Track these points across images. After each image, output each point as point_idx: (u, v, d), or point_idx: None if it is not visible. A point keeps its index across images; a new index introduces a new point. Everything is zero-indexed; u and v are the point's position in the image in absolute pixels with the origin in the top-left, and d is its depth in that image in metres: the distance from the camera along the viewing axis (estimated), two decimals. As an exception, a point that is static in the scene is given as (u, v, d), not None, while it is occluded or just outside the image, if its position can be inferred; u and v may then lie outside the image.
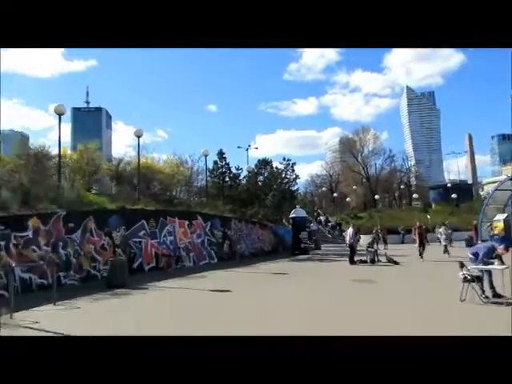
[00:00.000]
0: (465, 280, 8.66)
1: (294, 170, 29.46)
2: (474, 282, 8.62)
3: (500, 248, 8.84)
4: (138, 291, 11.41)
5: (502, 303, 8.15)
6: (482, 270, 8.74)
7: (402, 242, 34.37)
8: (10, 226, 11.02)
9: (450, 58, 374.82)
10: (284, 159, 29.50)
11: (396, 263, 17.52)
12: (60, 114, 15.98)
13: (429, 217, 40.45)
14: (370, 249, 18.73)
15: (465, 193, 61.76)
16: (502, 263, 8.86)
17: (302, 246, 25.74)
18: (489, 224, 30.54)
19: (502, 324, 6.18)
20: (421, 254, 18.91)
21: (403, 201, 66.59)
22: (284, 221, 30.66)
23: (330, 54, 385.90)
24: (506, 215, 29.53)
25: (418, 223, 20.52)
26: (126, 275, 12.56)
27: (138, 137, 19.58)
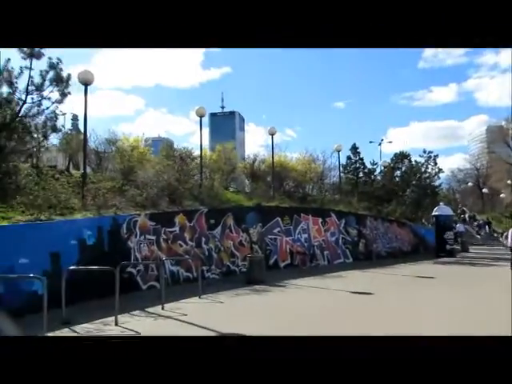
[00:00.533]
0: None
1: (436, 164, 26.74)
2: None
3: None
4: (276, 288, 11.35)
5: None
6: None
7: None
8: (160, 222, 11.95)
9: None
10: (424, 152, 26.97)
11: None
12: (201, 116, 17.09)
13: None
14: (539, 253, 15.83)
15: None
16: None
17: (448, 247, 23.23)
18: None
19: None
20: None
21: None
22: (423, 220, 28.12)
23: None
24: None
25: None
26: (263, 272, 12.69)
27: (272, 135, 19.86)
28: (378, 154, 40.49)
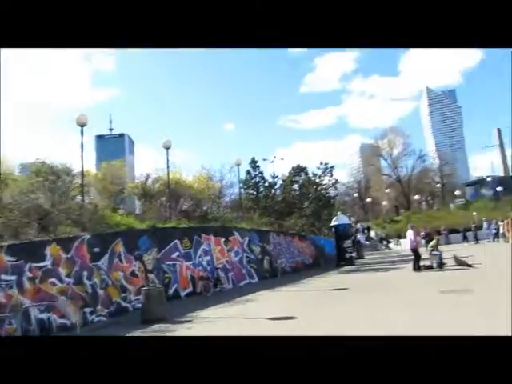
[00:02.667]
0: None
1: (332, 175, 27.23)
2: None
3: None
4: (180, 326, 9.33)
5: None
6: None
7: (448, 243, 31.81)
8: (23, 256, 9.20)
9: (469, 57, 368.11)
10: (321, 163, 27.32)
11: (469, 266, 15.12)
12: (82, 126, 14.08)
13: (474, 213, 38.46)
14: (434, 252, 16.30)
15: (502, 186, 57.61)
16: None
17: (347, 255, 23.49)
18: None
19: None
20: None
21: (436, 200, 63.83)
22: (323, 230, 28.45)
23: (346, 63, 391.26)
24: None
25: None
26: (163, 306, 10.52)
27: (167, 148, 17.81)
28: (272, 172, 41.13)
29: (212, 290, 15.35)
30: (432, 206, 60.35)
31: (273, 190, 26.23)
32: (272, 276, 19.22)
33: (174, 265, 14.45)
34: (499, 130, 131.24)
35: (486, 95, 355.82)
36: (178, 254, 14.73)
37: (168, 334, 8.45)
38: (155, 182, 20.90)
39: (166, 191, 18.93)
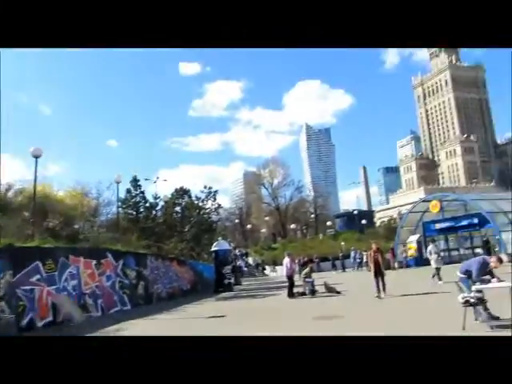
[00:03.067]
0: (466, 304, 7.23)
1: (215, 199, 27.28)
2: (477, 305, 7.27)
3: (493, 261, 7.67)
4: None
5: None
6: (481, 291, 7.40)
7: (319, 271, 34.24)
8: None
9: (342, 100, 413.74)
10: (205, 187, 27.21)
11: (338, 293, 16.31)
12: None
13: (343, 243, 42.23)
14: (307, 279, 17.14)
15: (366, 220, 64.86)
16: (499, 279, 7.58)
17: (226, 281, 23.51)
18: (403, 246, 31.83)
19: None
20: (380, 289, 13.65)
21: (309, 230, 68.59)
22: (203, 255, 28.18)
23: (234, 92, 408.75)
24: (418, 236, 31.01)
25: (374, 246, 14.54)
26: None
27: (36, 157, 15.82)
28: (154, 193, 40.07)
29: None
30: (306, 235, 64.52)
31: (154, 212, 25.18)
32: (147, 302, 18.20)
33: (32, 290, 12.64)
34: (365, 169, 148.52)
35: (355, 136, 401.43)
36: (38, 277, 12.95)
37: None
38: (18, 194, 18.47)
39: (30, 205, 16.81)
